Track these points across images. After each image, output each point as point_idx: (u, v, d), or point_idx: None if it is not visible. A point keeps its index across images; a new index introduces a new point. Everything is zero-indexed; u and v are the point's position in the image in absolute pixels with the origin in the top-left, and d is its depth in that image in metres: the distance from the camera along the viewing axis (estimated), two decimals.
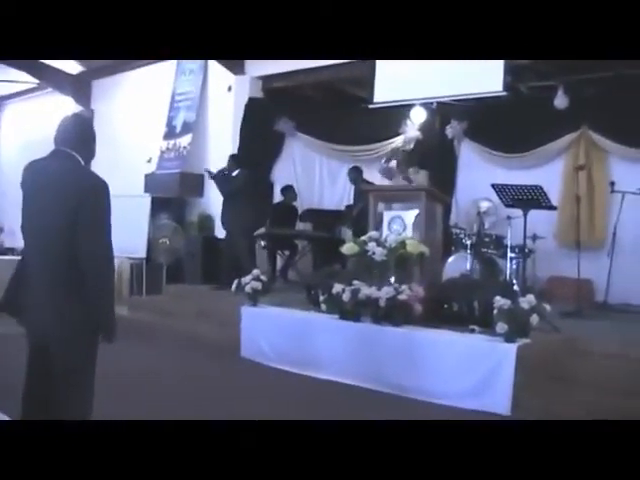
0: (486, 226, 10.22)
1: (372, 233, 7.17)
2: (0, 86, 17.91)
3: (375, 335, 6.58)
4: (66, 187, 3.41)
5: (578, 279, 8.39)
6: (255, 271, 8.04)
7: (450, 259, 9.41)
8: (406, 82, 9.52)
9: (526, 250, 9.25)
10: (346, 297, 6.79)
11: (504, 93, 8.57)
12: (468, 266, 9.27)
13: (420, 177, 9.41)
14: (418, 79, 9.36)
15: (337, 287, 6.94)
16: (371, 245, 6.96)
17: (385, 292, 6.56)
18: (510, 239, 9.24)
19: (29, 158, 3.76)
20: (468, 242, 9.65)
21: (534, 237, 9.47)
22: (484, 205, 10.40)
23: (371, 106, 9.94)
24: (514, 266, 9.36)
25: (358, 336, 6.68)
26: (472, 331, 6.29)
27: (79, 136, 3.61)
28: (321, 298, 7.32)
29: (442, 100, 10.08)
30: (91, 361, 3.49)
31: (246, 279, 7.93)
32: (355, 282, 6.86)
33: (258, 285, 7.89)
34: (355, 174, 10.95)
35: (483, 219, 10.21)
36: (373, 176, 10.97)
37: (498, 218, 10.30)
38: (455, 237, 9.85)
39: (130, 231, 13.21)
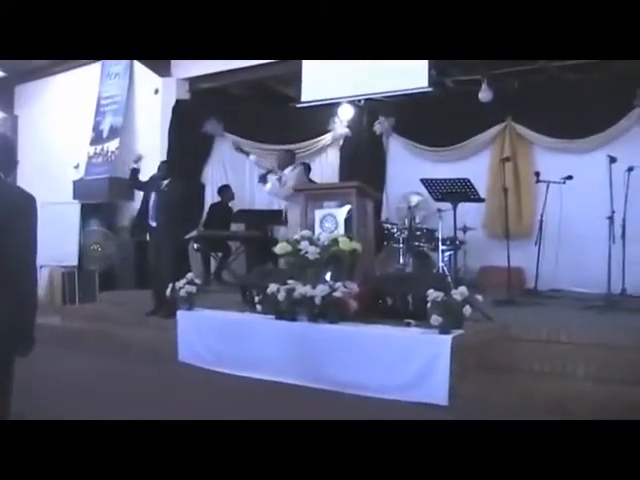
0: (417, 220, 10.38)
1: (304, 232, 7.19)
2: None
3: (312, 333, 6.60)
4: None
5: (509, 268, 8.58)
6: (189, 275, 7.97)
7: (383, 254, 9.52)
8: (333, 80, 9.57)
9: (457, 242, 9.44)
10: (281, 297, 6.79)
11: (430, 89, 8.69)
12: (401, 260, 9.40)
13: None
14: (344, 77, 9.41)
15: (272, 287, 6.93)
16: (304, 244, 6.98)
17: (320, 290, 6.58)
18: (441, 232, 9.39)
19: None
20: (400, 236, 9.77)
21: (464, 229, 9.66)
22: (414, 199, 10.57)
23: (299, 105, 9.96)
24: (446, 258, 9.52)
25: (295, 335, 6.69)
26: (408, 325, 6.37)
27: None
28: (256, 299, 7.32)
29: (369, 97, 10.18)
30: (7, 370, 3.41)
31: (180, 283, 7.86)
32: (290, 281, 6.87)
33: (193, 289, 7.83)
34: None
35: (414, 213, 10.37)
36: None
37: (429, 212, 10.47)
38: (387, 232, 9.96)
39: (60, 239, 13.02)
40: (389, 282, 7.35)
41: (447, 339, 5.76)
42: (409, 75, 8.72)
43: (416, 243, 9.74)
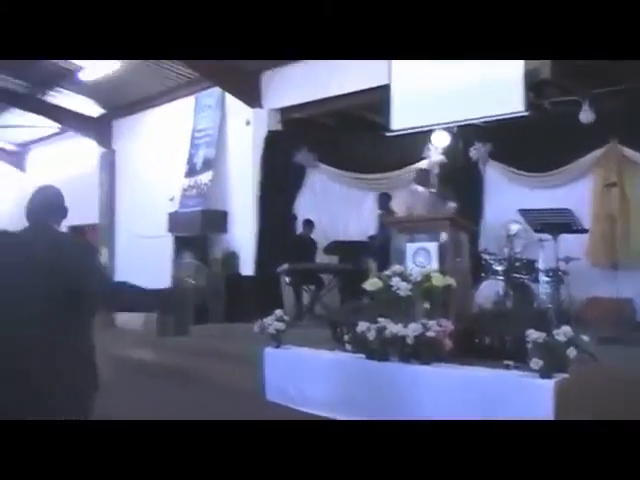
0: (517, 250, 9.87)
1: (395, 267, 6.87)
2: (24, 131, 18.05)
3: (403, 374, 6.26)
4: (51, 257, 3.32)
5: (617, 299, 8.02)
6: (278, 311, 7.76)
7: (481, 287, 9.08)
8: (424, 107, 9.26)
9: (559, 272, 8.93)
10: (371, 336, 6.48)
11: (526, 113, 8.26)
12: (500, 293, 8.94)
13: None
14: (437, 103, 9.10)
15: (362, 325, 6.63)
16: (395, 280, 6.66)
17: (412, 329, 6.24)
18: (542, 262, 8.90)
19: None
20: (499, 267, 9.31)
21: (567, 259, 9.12)
22: (514, 228, 10.07)
23: (389, 134, 9.66)
24: (547, 290, 9.00)
25: (386, 376, 6.37)
26: (506, 367, 5.94)
27: (53, 206, 3.64)
28: (346, 337, 7.03)
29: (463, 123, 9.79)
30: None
31: (269, 320, 7.66)
32: (380, 319, 6.55)
33: (281, 326, 7.61)
34: (384, 201, 10.74)
35: (513, 242, 9.88)
36: (400, 203, 10.75)
37: (529, 240, 9.95)
38: (485, 263, 9.51)
39: (154, 271, 13.10)
40: (486, 319, 6.96)
41: (549, 384, 5.32)
42: (504, 99, 8.33)
43: (516, 274, 9.26)
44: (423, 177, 9.60)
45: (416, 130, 9.61)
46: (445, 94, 8.87)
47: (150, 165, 14.64)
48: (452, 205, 9.32)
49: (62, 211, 3.65)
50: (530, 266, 9.27)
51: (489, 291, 8.91)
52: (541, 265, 8.92)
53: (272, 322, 7.68)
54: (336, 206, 12.25)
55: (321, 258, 11.50)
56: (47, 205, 3.61)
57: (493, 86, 8.08)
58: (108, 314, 14.98)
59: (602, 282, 9.21)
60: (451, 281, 6.63)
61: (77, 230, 16.51)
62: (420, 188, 9.43)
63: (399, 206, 10.76)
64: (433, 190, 9.56)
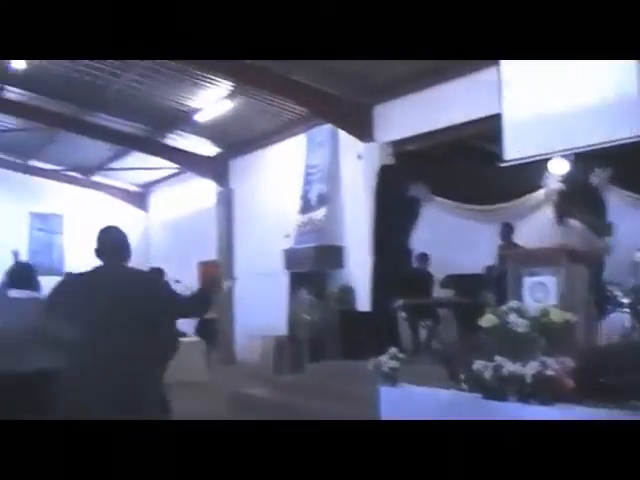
0: None
1: (512, 303, 6.58)
2: (146, 173, 18.71)
3: (523, 415, 5.97)
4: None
5: None
6: (392, 349, 7.59)
7: (605, 320, 8.64)
8: (537, 135, 8.95)
9: None
10: (488, 375, 6.22)
11: None
12: (626, 326, 8.48)
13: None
14: (549, 131, 8.78)
15: (478, 364, 6.39)
16: (512, 316, 6.39)
17: (530, 367, 5.94)
18: None
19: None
20: (625, 299, 8.84)
21: None
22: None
23: (502, 164, 9.38)
24: None
25: (504, 417, 6.09)
26: (636, 408, 5.57)
27: (120, 245, 4.19)
28: (462, 376, 6.79)
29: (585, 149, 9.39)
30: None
31: (383, 358, 7.50)
32: (497, 357, 6.29)
33: (396, 364, 7.43)
34: (506, 230, 10.48)
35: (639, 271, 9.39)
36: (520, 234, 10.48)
37: None
38: (610, 294, 9.05)
39: (271, 309, 13.25)
40: (612, 355, 6.57)
41: None
42: (621, 123, 7.96)
43: None
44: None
45: (529, 160, 9.28)
46: (560, 120, 8.55)
47: (266, 202, 14.87)
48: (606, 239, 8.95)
49: (129, 250, 4.19)
50: None
51: (614, 325, 8.46)
52: None
53: (387, 360, 7.52)
54: (452, 239, 11.99)
55: (438, 292, 11.27)
56: (116, 245, 4.14)
57: (609, 110, 7.73)
58: (228, 350, 15.26)
59: None
60: (570, 316, 6.31)
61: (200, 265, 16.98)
62: (571, 221, 8.93)
63: (526, 237, 10.45)
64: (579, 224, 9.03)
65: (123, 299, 3.85)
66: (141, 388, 3.83)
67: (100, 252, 4.09)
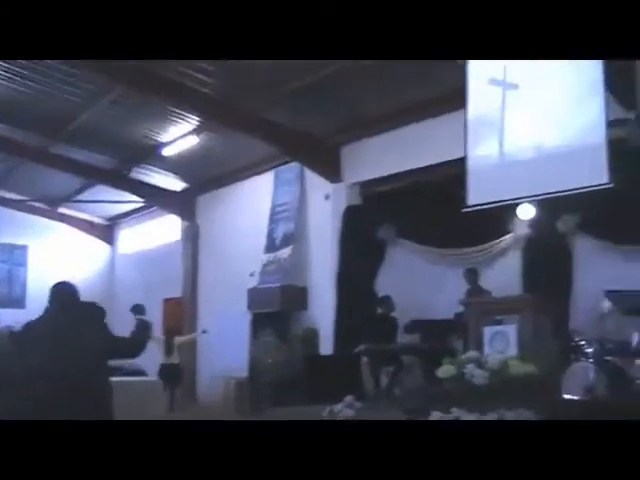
0: (611, 329, 9.18)
1: (470, 353, 6.42)
2: (112, 207, 18.41)
3: None
4: None
5: None
6: (348, 398, 7.37)
7: (569, 371, 8.42)
8: (502, 181, 8.82)
9: None
10: None
11: (610, 185, 7.72)
12: (591, 378, 8.26)
13: None
14: (516, 177, 8.65)
15: (434, 415, 6.17)
16: (469, 367, 6.19)
17: None
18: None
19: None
20: (589, 349, 8.63)
21: None
22: (606, 306, 9.39)
23: (465, 210, 9.20)
24: None
25: None
26: None
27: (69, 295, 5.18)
28: None
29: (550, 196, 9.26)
30: None
31: (339, 406, 7.27)
32: (453, 409, 6.07)
33: (351, 413, 7.20)
34: (471, 276, 10.32)
35: (606, 322, 9.20)
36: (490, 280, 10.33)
37: (625, 320, 9.25)
38: (575, 345, 8.84)
39: (234, 349, 12.94)
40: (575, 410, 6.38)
41: None
42: (587, 170, 7.85)
43: (608, 357, 8.57)
44: None
45: (492, 205, 9.12)
46: (526, 166, 8.43)
47: (232, 239, 14.62)
48: None
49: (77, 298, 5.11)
50: (625, 348, 8.56)
51: (578, 376, 8.24)
52: (637, 347, 8.20)
53: (342, 409, 7.30)
54: (418, 283, 11.78)
55: (402, 337, 11.02)
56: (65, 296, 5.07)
57: (575, 157, 7.63)
58: (190, 392, 14.91)
59: None
60: (531, 368, 6.13)
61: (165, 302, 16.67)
62: None
63: (493, 283, 10.32)
64: None
65: (66, 339, 4.72)
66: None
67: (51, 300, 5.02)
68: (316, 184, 12.41)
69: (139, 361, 15.73)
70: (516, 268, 11.09)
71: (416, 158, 10.65)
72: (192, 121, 12.74)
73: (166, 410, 12.27)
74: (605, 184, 7.75)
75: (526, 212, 10.39)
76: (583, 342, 8.73)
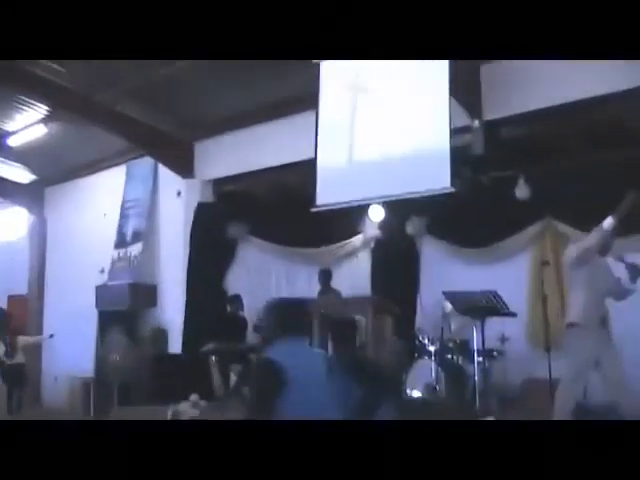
0: (452, 329, 9.49)
1: None
2: None
3: None
4: None
5: (550, 383, 7.63)
6: (193, 397, 7.28)
7: (412, 369, 8.65)
8: (350, 182, 8.94)
9: (494, 354, 8.60)
10: None
11: (452, 189, 7.97)
12: (432, 375, 8.51)
13: None
14: (363, 179, 8.80)
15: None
16: None
17: None
18: (477, 342, 8.49)
19: None
20: (432, 348, 8.90)
21: (502, 338, 8.77)
22: (449, 306, 9.69)
23: (313, 210, 9.27)
24: (482, 372, 8.58)
25: None
26: None
27: None
28: None
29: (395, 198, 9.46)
30: None
31: (183, 406, 7.17)
32: None
33: (196, 413, 7.12)
34: (324, 276, 10.39)
35: (449, 321, 9.50)
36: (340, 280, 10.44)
37: (466, 320, 9.57)
38: (419, 344, 9.08)
39: (78, 348, 12.53)
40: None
41: None
42: (431, 175, 8.07)
43: (449, 356, 8.86)
44: None
45: (340, 206, 9.23)
46: (372, 170, 8.59)
47: (82, 234, 14.11)
48: None
49: None
50: (464, 347, 8.87)
51: (421, 374, 8.48)
52: (475, 345, 8.51)
53: (187, 409, 7.21)
54: (269, 282, 11.83)
55: (252, 337, 10.98)
56: None
57: (420, 161, 7.83)
58: (34, 393, 14.30)
59: (541, 363, 8.82)
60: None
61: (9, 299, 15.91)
62: None
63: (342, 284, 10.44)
64: None
65: None
66: None
67: None
68: (168, 180, 12.17)
69: None
70: (366, 269, 11.33)
71: (268, 157, 10.66)
72: (40, 110, 12.20)
73: (7, 413, 11.75)
74: (447, 188, 7.99)
75: (376, 214, 10.61)
76: (426, 341, 9.01)
